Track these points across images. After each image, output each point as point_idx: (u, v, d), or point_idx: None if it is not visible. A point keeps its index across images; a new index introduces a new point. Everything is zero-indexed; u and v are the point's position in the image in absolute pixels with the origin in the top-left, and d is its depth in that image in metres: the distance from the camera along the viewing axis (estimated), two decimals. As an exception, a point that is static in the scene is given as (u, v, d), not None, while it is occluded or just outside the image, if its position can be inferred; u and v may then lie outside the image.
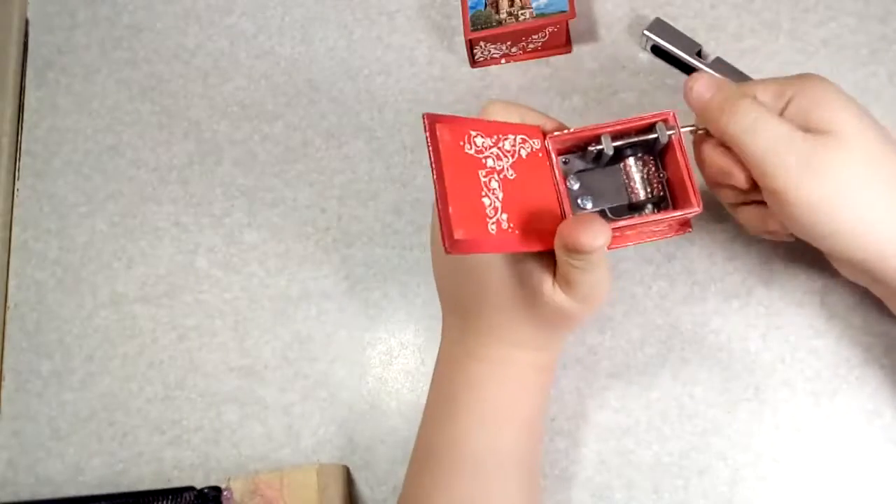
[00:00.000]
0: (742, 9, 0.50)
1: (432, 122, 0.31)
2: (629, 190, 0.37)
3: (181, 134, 0.56)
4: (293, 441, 0.49)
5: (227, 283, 0.53)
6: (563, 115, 0.51)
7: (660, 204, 0.37)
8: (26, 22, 0.62)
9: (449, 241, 0.29)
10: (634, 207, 0.37)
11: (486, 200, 0.31)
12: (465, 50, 0.53)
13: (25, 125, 0.59)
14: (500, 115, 0.36)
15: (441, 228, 0.30)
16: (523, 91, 0.52)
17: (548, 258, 0.35)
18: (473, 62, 0.53)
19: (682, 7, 0.51)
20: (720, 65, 0.48)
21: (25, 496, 0.51)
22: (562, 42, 0.51)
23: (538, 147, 0.35)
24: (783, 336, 0.45)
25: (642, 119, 0.35)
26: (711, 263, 0.46)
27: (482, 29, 0.49)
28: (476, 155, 0.32)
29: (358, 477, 0.48)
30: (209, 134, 0.56)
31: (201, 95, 0.57)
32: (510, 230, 0.32)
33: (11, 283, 0.56)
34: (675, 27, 0.49)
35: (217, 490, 0.45)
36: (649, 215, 0.36)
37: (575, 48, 0.52)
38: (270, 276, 0.52)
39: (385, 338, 0.50)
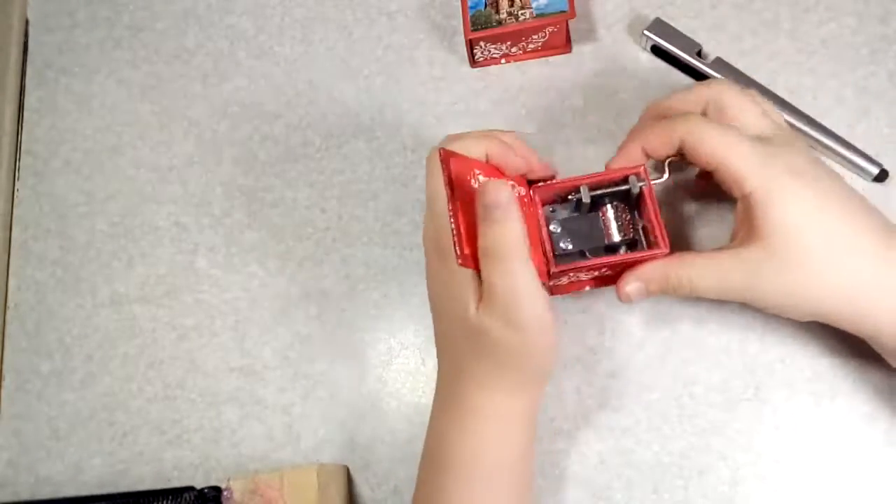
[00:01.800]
0: (742, 9, 0.50)
1: (447, 156, 0.36)
2: (605, 233, 0.41)
3: (181, 134, 0.56)
4: (293, 441, 0.49)
5: (227, 283, 0.53)
6: (563, 115, 0.51)
7: (633, 246, 0.41)
8: (26, 22, 0.62)
9: (461, 255, 0.34)
10: (610, 249, 0.41)
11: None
12: (465, 50, 0.53)
13: (25, 125, 0.59)
14: (468, 148, 0.38)
15: (455, 244, 0.34)
16: (523, 91, 0.52)
17: (471, 282, 0.36)
18: (473, 62, 0.53)
19: (682, 7, 0.51)
20: (720, 65, 0.48)
21: (25, 496, 0.51)
22: (562, 42, 0.51)
23: (524, 193, 0.40)
24: (783, 336, 0.45)
25: (617, 172, 0.40)
26: (711, 263, 0.46)
27: (482, 29, 0.49)
28: (474, 187, 0.36)
29: (358, 477, 0.48)
30: (209, 134, 0.56)
31: (201, 95, 0.57)
32: None
33: (11, 283, 0.56)
34: (676, 27, 0.49)
35: (217, 490, 0.45)
36: (621, 255, 0.40)
37: (575, 48, 0.52)
38: (270, 276, 0.52)
39: (385, 338, 0.50)
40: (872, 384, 0.43)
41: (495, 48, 0.51)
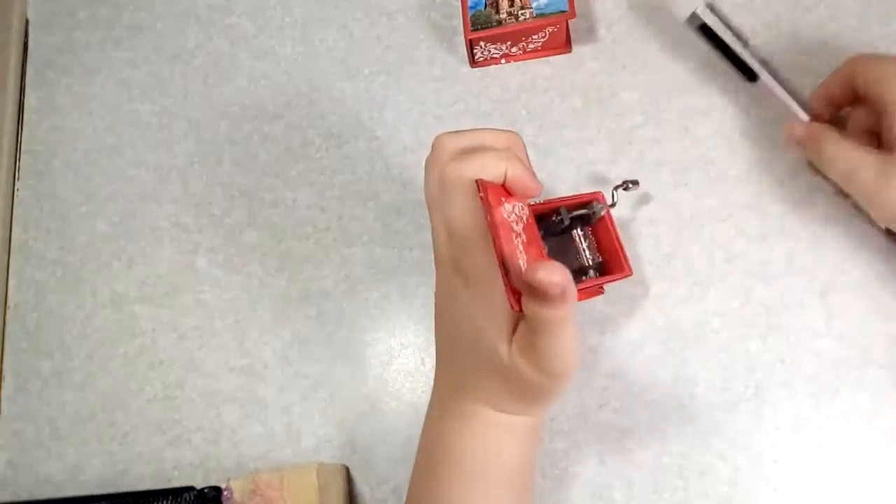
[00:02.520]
0: (742, 9, 0.50)
1: (485, 186, 0.34)
2: (576, 254, 0.42)
3: (181, 134, 0.56)
4: (293, 441, 0.49)
5: (227, 283, 0.53)
6: (563, 115, 0.51)
7: (600, 269, 0.42)
8: (26, 22, 0.62)
9: (513, 302, 0.32)
10: (579, 272, 0.42)
11: (520, 262, 0.33)
12: (465, 50, 0.53)
13: (25, 125, 0.59)
14: (487, 169, 0.36)
15: (506, 290, 0.32)
16: (523, 91, 0.52)
17: (505, 320, 0.34)
18: (473, 62, 0.53)
19: (682, 7, 0.51)
20: (764, 65, 0.46)
21: (25, 496, 0.51)
22: (562, 42, 0.51)
23: (528, 213, 0.38)
24: (783, 336, 0.45)
25: (581, 196, 0.41)
26: (711, 264, 0.46)
27: (482, 29, 0.49)
28: (508, 219, 0.35)
29: (358, 477, 0.48)
30: (209, 134, 0.56)
31: (201, 95, 0.57)
32: None
33: (11, 283, 0.56)
34: (727, 16, 0.47)
35: (217, 490, 0.45)
36: (595, 279, 0.41)
37: (575, 48, 0.52)
38: (270, 276, 0.52)
39: (385, 338, 0.50)
40: (873, 384, 0.43)
41: (495, 48, 0.51)
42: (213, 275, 0.53)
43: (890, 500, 0.42)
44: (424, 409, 0.41)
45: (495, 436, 0.37)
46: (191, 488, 0.47)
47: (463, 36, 0.50)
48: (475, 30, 0.49)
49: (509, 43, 0.51)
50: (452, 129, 0.52)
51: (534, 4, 0.48)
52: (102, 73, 0.59)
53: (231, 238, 0.53)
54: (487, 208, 0.33)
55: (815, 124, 0.44)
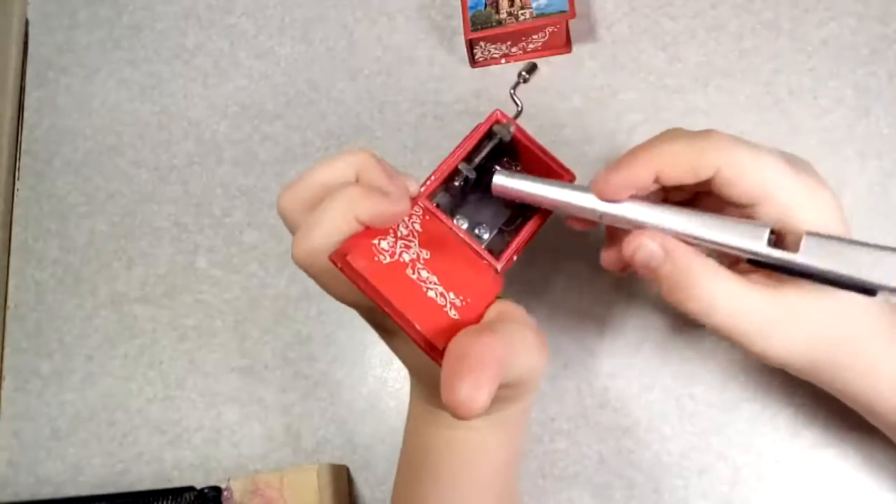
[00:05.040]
0: (742, 9, 0.50)
1: (342, 258, 0.29)
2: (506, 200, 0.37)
3: (181, 134, 0.56)
4: (293, 441, 0.49)
5: (227, 283, 0.53)
6: (563, 115, 0.51)
7: None
8: (26, 22, 0.62)
9: (432, 352, 0.29)
10: (520, 212, 0.37)
11: (431, 294, 0.31)
12: (465, 50, 0.53)
13: (25, 125, 0.59)
14: (334, 230, 0.31)
15: (419, 346, 0.29)
16: (523, 91, 0.52)
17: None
18: (473, 62, 0.53)
19: (681, 7, 0.51)
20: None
21: (25, 496, 0.51)
22: (562, 42, 0.51)
23: (421, 212, 0.35)
24: (783, 336, 0.45)
25: (476, 130, 0.36)
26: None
27: (482, 29, 0.49)
28: (392, 259, 0.31)
29: (358, 477, 0.48)
30: (209, 134, 0.56)
31: (201, 95, 0.57)
32: (464, 304, 0.32)
33: (11, 283, 0.56)
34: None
35: (217, 490, 0.45)
36: (537, 214, 0.36)
37: (575, 48, 0.52)
38: (270, 276, 0.52)
39: (385, 338, 0.50)
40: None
41: (495, 48, 0.51)
42: (213, 275, 0.53)
43: (890, 499, 0.42)
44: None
45: (479, 438, 0.37)
46: (191, 488, 0.47)
47: (463, 36, 0.50)
48: (475, 30, 0.49)
49: (509, 43, 0.51)
50: (452, 130, 0.52)
51: (534, 4, 0.48)
52: (102, 73, 0.59)
53: (231, 238, 0.53)
54: (357, 280, 0.29)
55: (676, 243, 0.31)
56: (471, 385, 0.26)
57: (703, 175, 0.30)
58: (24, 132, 0.59)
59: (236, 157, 0.55)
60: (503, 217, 0.37)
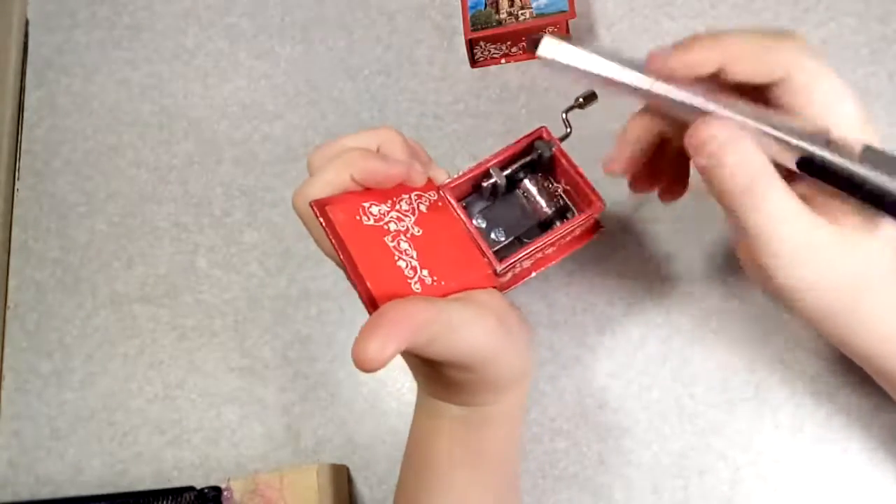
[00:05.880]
0: (742, 9, 0.50)
1: (321, 206, 0.31)
2: (533, 210, 0.38)
3: (181, 134, 0.56)
4: (293, 441, 0.49)
5: (227, 283, 0.53)
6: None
7: (565, 215, 0.38)
8: (26, 22, 0.62)
9: (370, 307, 0.29)
10: (544, 225, 0.38)
11: (401, 263, 0.31)
12: (465, 50, 0.53)
13: (25, 125, 0.59)
14: (328, 183, 0.33)
15: (362, 299, 0.30)
16: (523, 91, 0.52)
17: None
18: (473, 62, 0.53)
19: (682, 7, 0.51)
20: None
21: (25, 496, 0.51)
22: (562, 42, 0.51)
23: (435, 199, 0.35)
24: (783, 336, 0.45)
25: (519, 142, 0.37)
26: (712, 264, 0.46)
27: (482, 29, 0.49)
28: (376, 224, 0.32)
29: (358, 477, 0.48)
30: (209, 134, 0.56)
31: (201, 95, 0.57)
32: (435, 283, 0.32)
33: (11, 283, 0.56)
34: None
35: (217, 490, 0.45)
36: (558, 228, 0.36)
37: (575, 48, 0.52)
38: (270, 276, 0.52)
39: (385, 338, 0.50)
40: (872, 384, 0.43)
41: (495, 48, 0.51)
42: (213, 275, 0.53)
43: (890, 499, 0.42)
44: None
45: (475, 433, 0.37)
46: (191, 488, 0.47)
47: (463, 36, 0.50)
48: (475, 30, 0.49)
49: (509, 43, 0.51)
50: (452, 130, 0.52)
51: (534, 4, 0.48)
52: (102, 73, 0.59)
53: (231, 238, 0.53)
54: (328, 229, 0.30)
55: (746, 137, 0.28)
56: (378, 339, 0.26)
57: (776, 75, 0.28)
58: (24, 132, 0.59)
59: (236, 157, 0.55)
60: (523, 228, 0.37)
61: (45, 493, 0.51)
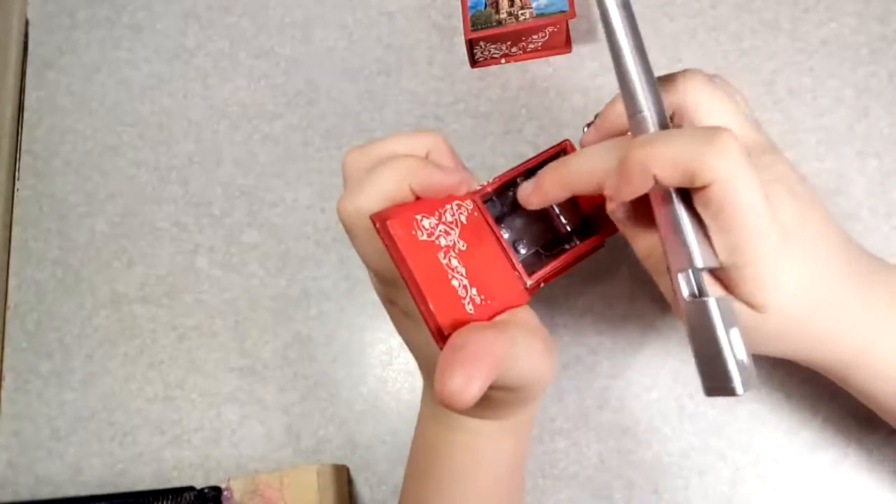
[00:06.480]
0: (742, 9, 0.50)
1: (382, 221, 0.29)
2: (554, 224, 0.37)
3: (181, 134, 0.56)
4: (293, 441, 0.49)
5: (227, 283, 0.53)
6: (563, 115, 0.51)
7: (581, 231, 0.37)
8: (26, 22, 0.62)
9: (438, 337, 0.29)
10: (563, 240, 0.37)
11: (454, 282, 0.31)
12: (465, 50, 0.53)
13: (25, 125, 0.59)
14: (385, 191, 0.31)
15: (428, 326, 0.29)
16: (523, 91, 0.52)
17: None
18: (473, 62, 0.53)
19: (682, 7, 0.51)
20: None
21: (25, 496, 0.51)
22: (562, 42, 0.51)
23: (471, 208, 0.34)
24: (783, 336, 0.45)
25: (545, 153, 0.36)
26: (711, 263, 0.46)
27: (482, 29, 0.49)
28: (429, 239, 0.31)
29: (358, 477, 0.48)
30: (209, 134, 0.56)
31: (201, 95, 0.57)
32: (483, 303, 0.31)
33: (11, 283, 0.56)
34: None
35: (217, 490, 0.45)
36: (582, 245, 0.36)
37: (575, 48, 0.52)
38: (270, 276, 0.52)
39: (385, 338, 0.50)
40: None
41: (495, 48, 0.51)
42: (213, 275, 0.53)
43: (890, 499, 0.42)
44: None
45: (484, 443, 0.37)
46: (191, 488, 0.47)
47: (463, 36, 0.50)
48: (475, 30, 0.49)
49: (509, 43, 0.51)
50: (452, 130, 0.52)
51: (534, 4, 0.48)
52: (102, 73, 0.59)
53: (231, 238, 0.53)
54: (390, 246, 0.29)
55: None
56: (463, 376, 0.25)
57: (697, 184, 0.26)
58: (24, 132, 0.59)
59: (236, 157, 0.55)
60: (544, 240, 0.37)
61: (45, 494, 0.51)
